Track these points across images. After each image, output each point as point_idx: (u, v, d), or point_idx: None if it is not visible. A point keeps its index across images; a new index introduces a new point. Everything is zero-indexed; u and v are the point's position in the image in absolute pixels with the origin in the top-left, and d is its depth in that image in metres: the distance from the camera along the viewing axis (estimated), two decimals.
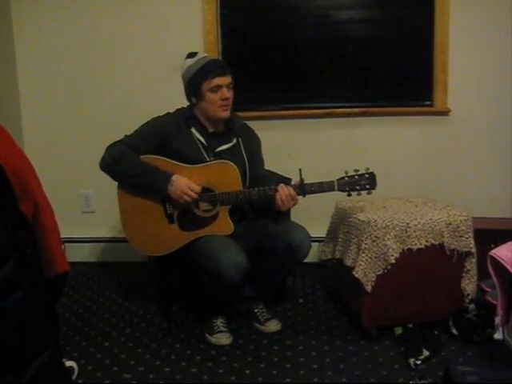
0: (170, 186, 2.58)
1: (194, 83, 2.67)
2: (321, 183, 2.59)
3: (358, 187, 2.61)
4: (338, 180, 2.60)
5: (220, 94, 2.65)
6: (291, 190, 2.57)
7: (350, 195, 2.62)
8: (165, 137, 2.68)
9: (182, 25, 3.61)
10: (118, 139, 2.69)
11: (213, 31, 3.60)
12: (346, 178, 2.61)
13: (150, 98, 3.61)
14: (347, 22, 3.58)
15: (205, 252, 2.57)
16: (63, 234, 1.89)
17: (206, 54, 2.78)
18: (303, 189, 2.59)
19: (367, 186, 2.61)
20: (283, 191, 2.57)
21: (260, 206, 2.75)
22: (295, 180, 2.64)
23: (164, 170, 2.61)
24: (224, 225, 2.66)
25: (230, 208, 2.66)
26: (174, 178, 2.59)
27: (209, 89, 2.64)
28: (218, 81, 2.64)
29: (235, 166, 2.64)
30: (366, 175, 2.62)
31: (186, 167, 2.65)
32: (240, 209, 2.77)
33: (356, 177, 2.61)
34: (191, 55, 2.72)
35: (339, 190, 2.60)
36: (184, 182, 2.59)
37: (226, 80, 2.66)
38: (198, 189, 2.61)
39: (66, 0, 3.63)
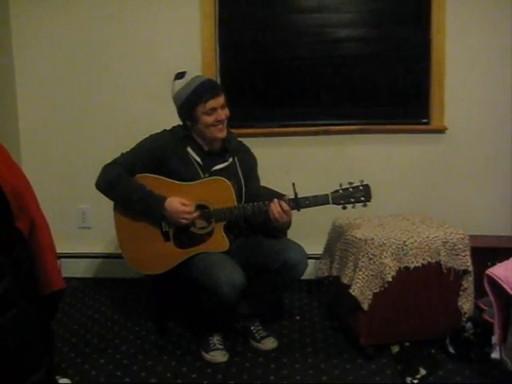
0: (164, 213, 2.61)
1: (188, 107, 2.66)
2: (315, 197, 2.58)
3: (352, 200, 2.59)
4: (332, 193, 2.59)
5: (215, 116, 2.64)
6: (284, 205, 2.56)
7: (345, 208, 2.60)
8: (161, 157, 2.68)
9: (180, 41, 3.63)
10: (115, 156, 2.69)
11: (211, 48, 3.62)
12: (341, 191, 2.60)
13: (148, 115, 3.62)
14: (345, 39, 3.60)
15: (202, 269, 2.55)
16: (59, 250, 1.88)
17: (194, 75, 2.71)
18: (297, 202, 2.58)
19: (362, 199, 2.60)
20: (275, 207, 2.56)
21: (257, 223, 2.74)
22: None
23: (157, 196, 2.62)
24: (220, 241, 2.65)
25: (226, 224, 2.66)
26: (166, 204, 2.60)
27: (204, 112, 2.63)
28: (212, 103, 2.63)
29: (229, 182, 2.64)
30: (361, 187, 2.61)
31: (180, 185, 2.66)
32: (236, 225, 2.76)
33: (350, 189, 2.60)
34: (179, 76, 2.69)
35: (334, 203, 2.59)
36: (176, 209, 2.59)
37: (219, 101, 2.65)
38: (191, 209, 2.62)
39: (65, 16, 3.66)
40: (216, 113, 2.64)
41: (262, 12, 3.63)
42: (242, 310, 2.85)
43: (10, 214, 1.46)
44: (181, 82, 2.67)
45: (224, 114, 2.68)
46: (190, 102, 2.64)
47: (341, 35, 3.60)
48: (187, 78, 2.67)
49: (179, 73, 2.71)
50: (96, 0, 3.64)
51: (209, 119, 2.64)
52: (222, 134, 2.70)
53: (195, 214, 2.63)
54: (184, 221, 2.61)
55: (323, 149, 3.69)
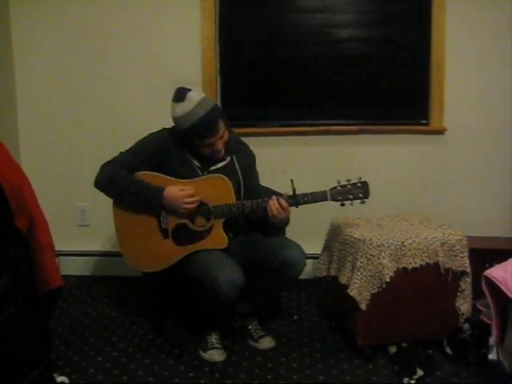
0: (163, 202, 2.60)
1: (186, 136, 2.64)
2: (313, 193, 2.59)
3: (350, 196, 2.60)
4: (330, 190, 2.60)
5: (212, 147, 2.64)
6: (282, 201, 2.56)
7: (343, 205, 2.61)
8: (160, 156, 2.68)
9: (180, 40, 3.63)
10: (113, 154, 2.69)
11: (211, 47, 3.62)
12: (339, 188, 2.60)
13: (148, 113, 3.62)
14: (345, 40, 3.60)
15: (200, 268, 2.55)
16: (58, 247, 1.88)
17: (195, 102, 2.56)
18: (295, 199, 2.59)
19: (360, 195, 2.60)
20: (273, 203, 2.56)
21: (255, 220, 2.74)
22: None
23: (155, 187, 2.61)
24: (218, 238, 2.65)
25: (225, 222, 2.66)
26: (165, 193, 2.59)
27: (201, 145, 2.63)
28: (210, 140, 2.61)
29: (227, 179, 2.64)
30: (359, 184, 2.61)
31: (179, 182, 2.65)
32: (235, 222, 2.76)
33: (348, 186, 2.61)
34: (178, 98, 2.59)
35: (332, 199, 2.60)
36: (175, 195, 2.58)
37: (217, 135, 2.61)
38: (191, 193, 2.60)
39: (65, 14, 3.66)
40: (214, 145, 2.63)
41: (263, 11, 3.63)
42: (240, 309, 2.85)
43: (9, 211, 1.46)
44: (181, 108, 2.57)
45: (222, 142, 2.66)
46: (188, 134, 2.62)
47: (342, 35, 3.60)
48: (187, 105, 2.56)
49: (179, 93, 2.60)
50: None
51: (206, 150, 2.66)
52: (219, 156, 2.71)
53: (196, 198, 2.61)
54: (185, 205, 2.60)
55: (323, 149, 3.69)
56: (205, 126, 2.57)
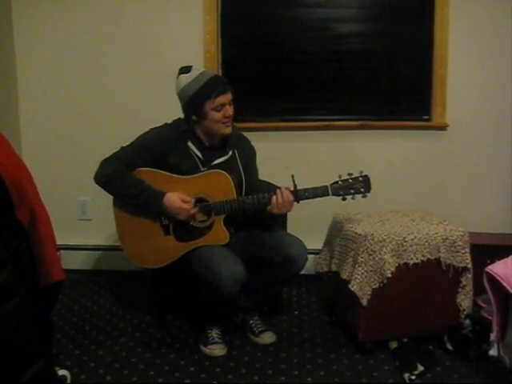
0: (162, 208, 2.61)
1: (195, 102, 2.62)
2: (314, 188, 2.58)
3: (352, 191, 2.59)
4: (331, 184, 2.59)
5: (223, 112, 2.62)
6: (289, 195, 2.56)
7: (344, 199, 2.60)
8: (161, 152, 2.67)
9: (182, 35, 3.63)
10: (115, 148, 2.68)
11: (213, 41, 3.61)
12: (340, 182, 2.59)
13: (149, 108, 3.61)
14: (347, 35, 3.59)
15: (202, 263, 2.55)
16: (59, 241, 1.88)
17: (201, 70, 2.69)
18: (296, 194, 2.58)
19: (362, 190, 2.59)
20: (283, 194, 2.55)
21: (252, 213, 2.72)
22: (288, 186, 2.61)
23: (156, 192, 2.61)
24: (220, 234, 2.65)
25: (226, 218, 2.65)
26: (165, 200, 2.59)
27: (212, 108, 2.61)
28: (221, 100, 2.60)
29: (228, 175, 2.63)
30: (360, 178, 2.60)
31: (179, 178, 2.65)
32: (236, 218, 2.76)
33: (350, 180, 2.59)
34: (185, 70, 2.65)
35: (333, 194, 2.59)
36: (175, 206, 2.59)
37: (228, 97, 2.63)
38: (190, 206, 2.61)
39: (67, 8, 3.65)
40: (224, 109, 2.63)
41: (265, 6, 3.62)
42: (241, 304, 2.85)
43: (10, 204, 1.46)
44: (187, 77, 2.63)
45: (231, 110, 2.67)
46: (198, 98, 2.61)
47: (344, 30, 3.59)
48: (194, 72, 2.63)
49: (184, 67, 2.66)
50: None
51: (217, 115, 2.63)
52: (229, 130, 2.69)
53: (194, 211, 2.62)
54: (182, 217, 2.62)
55: (324, 144, 3.69)
56: (216, 84, 2.62)
